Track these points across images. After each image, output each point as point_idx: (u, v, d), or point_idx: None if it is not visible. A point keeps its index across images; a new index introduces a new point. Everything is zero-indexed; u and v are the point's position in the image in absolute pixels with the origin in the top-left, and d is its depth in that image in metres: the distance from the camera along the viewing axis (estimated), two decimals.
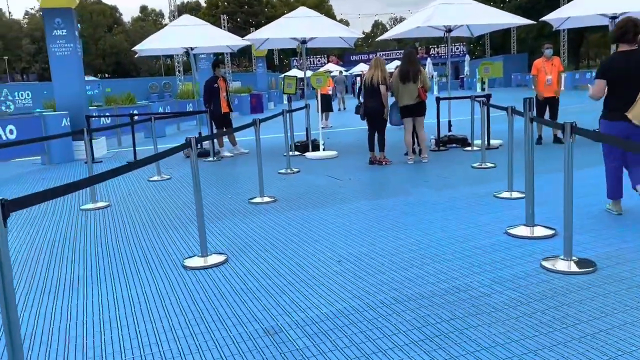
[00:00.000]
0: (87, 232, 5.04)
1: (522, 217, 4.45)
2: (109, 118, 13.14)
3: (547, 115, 8.89)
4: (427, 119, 7.99)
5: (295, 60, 47.78)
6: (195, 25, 10.21)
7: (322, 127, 10.27)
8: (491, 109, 7.37)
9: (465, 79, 39.24)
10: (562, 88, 9.06)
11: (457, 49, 46.30)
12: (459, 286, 3.22)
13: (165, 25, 13.87)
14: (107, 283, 3.63)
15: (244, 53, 48.61)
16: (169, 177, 7.97)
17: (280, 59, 56.42)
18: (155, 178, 7.85)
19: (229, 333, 2.77)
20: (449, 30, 9.30)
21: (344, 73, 30.62)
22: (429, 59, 35.08)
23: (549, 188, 5.59)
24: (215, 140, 9.91)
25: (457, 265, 3.59)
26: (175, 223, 5.19)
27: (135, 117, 11.04)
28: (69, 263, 4.13)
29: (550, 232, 4.15)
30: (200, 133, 10.66)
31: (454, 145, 9.34)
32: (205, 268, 3.80)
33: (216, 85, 9.77)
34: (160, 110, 16.09)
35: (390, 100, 7.94)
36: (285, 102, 10.08)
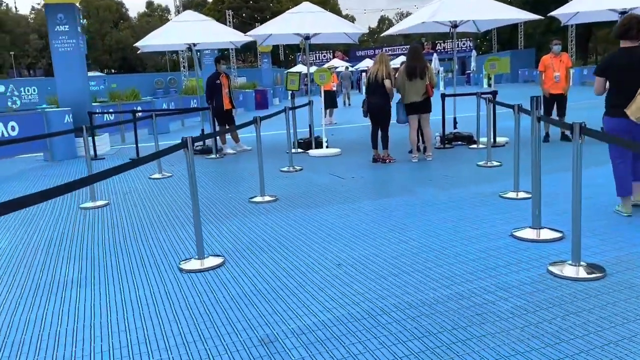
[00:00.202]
0: (85, 232, 4.96)
1: (528, 219, 4.32)
2: (113, 114, 13.10)
3: (554, 112, 8.73)
4: (432, 115, 7.85)
5: (300, 56, 47.60)
6: (198, 21, 10.10)
7: (326, 124, 10.14)
8: (497, 105, 7.23)
9: (471, 75, 38.94)
10: (570, 84, 8.86)
11: (464, 44, 45.95)
12: (462, 292, 3.10)
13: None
14: (101, 286, 3.54)
15: (250, 49, 48.51)
16: (170, 174, 7.89)
17: (286, 54, 56.23)
18: (157, 176, 7.77)
19: (222, 341, 2.68)
20: (455, 25, 9.14)
21: (350, 68, 30.45)
22: (435, 54, 34.79)
23: (556, 188, 5.46)
24: (217, 137, 9.81)
25: (460, 269, 3.47)
26: (174, 223, 5.10)
27: (138, 114, 10.98)
28: (64, 264, 4.04)
29: (557, 234, 4.02)
30: (203, 130, 10.58)
31: (459, 142, 9.20)
32: (201, 271, 3.71)
33: (218, 81, 9.66)
34: (165, 106, 16.02)
35: (396, 97, 7.81)
36: (290, 98, 9.95)
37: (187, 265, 3.79)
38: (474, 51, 38.02)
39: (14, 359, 2.63)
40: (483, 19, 8.82)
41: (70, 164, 9.58)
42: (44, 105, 13.84)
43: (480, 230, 4.28)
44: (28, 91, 26.99)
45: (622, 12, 8.51)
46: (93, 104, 12.64)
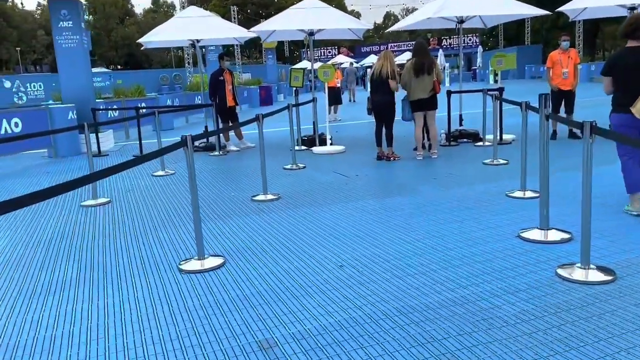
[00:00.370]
0: (85, 231, 4.90)
1: (535, 219, 4.22)
2: (117, 111, 13.05)
3: (562, 109, 8.60)
4: (437, 112, 7.74)
5: (305, 52, 47.44)
6: (201, 17, 10.01)
7: (330, 121, 10.05)
8: (504, 102, 7.11)
9: (477, 71, 38.68)
10: (578, 80, 8.72)
11: (470, 40, 45.64)
12: (468, 296, 3.02)
13: None
14: (99, 286, 3.48)
15: (254, 45, 48.39)
16: (173, 172, 7.83)
17: (291, 50, 56.06)
18: (159, 173, 7.71)
19: (221, 346, 2.61)
20: (461, 21, 9.01)
21: (355, 65, 30.29)
22: (440, 50, 34.56)
23: (564, 187, 5.35)
24: (221, 134, 9.75)
25: (466, 272, 3.38)
26: (175, 221, 5.04)
27: (142, 111, 10.93)
28: (63, 264, 3.99)
29: (565, 235, 3.92)
30: (206, 127, 10.51)
31: (464, 140, 9.08)
32: (201, 272, 3.64)
33: (222, 78, 9.59)
34: (169, 102, 15.97)
35: (401, 94, 7.71)
36: (294, 94, 9.86)
37: (186, 266, 3.73)
38: (480, 47, 37.71)
39: None
40: (490, 14, 8.69)
41: (74, 161, 9.54)
42: (50, 102, 13.82)
43: (486, 231, 4.19)
44: (34, 87, 27.04)
45: (632, 8, 8.36)
46: (97, 100, 12.59)
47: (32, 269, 3.93)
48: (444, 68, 27.02)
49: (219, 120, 9.79)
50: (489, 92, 7.78)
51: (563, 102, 8.58)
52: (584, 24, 35.61)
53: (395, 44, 48.66)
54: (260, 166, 5.72)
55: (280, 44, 44.46)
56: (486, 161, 7.07)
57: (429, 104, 7.52)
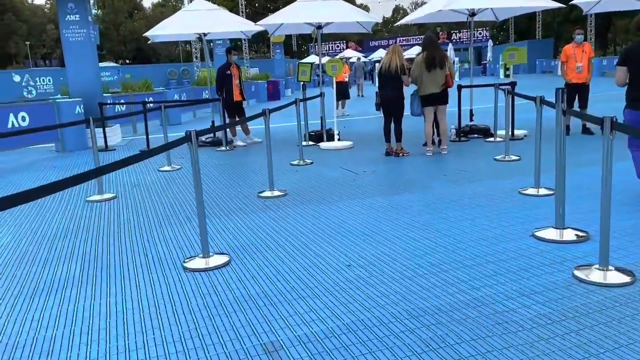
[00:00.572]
0: (90, 227, 4.84)
1: (550, 218, 4.10)
2: (124, 105, 13.00)
3: (576, 104, 8.43)
4: (447, 107, 7.60)
5: (313, 47, 47.22)
6: (208, 10, 9.90)
7: (338, 116, 9.92)
8: (516, 97, 6.95)
9: (487, 65, 38.31)
10: (592, 74, 8.53)
11: (480, 34, 45.17)
12: (482, 298, 2.90)
13: None
14: (102, 284, 3.41)
15: (263, 39, 48.25)
16: (179, 167, 7.76)
17: (299, 44, 55.86)
18: (166, 168, 7.64)
19: (225, 349, 2.52)
20: (472, 14, 8.84)
21: (362, 59, 30.08)
22: (450, 44, 34.24)
23: (578, 185, 5.21)
24: (227, 129, 9.66)
25: (479, 272, 3.27)
26: (180, 217, 4.96)
27: (148, 105, 10.88)
28: (67, 261, 3.92)
29: (581, 235, 3.79)
30: (213, 122, 10.43)
31: (475, 135, 8.93)
32: (206, 270, 3.55)
33: (229, 72, 9.48)
34: (176, 97, 15.91)
35: (409, 89, 7.57)
36: (302, 89, 9.74)
37: (191, 264, 3.64)
38: (490, 41, 37.36)
39: None
40: (502, 6, 8.51)
41: (81, 155, 9.50)
42: (58, 96, 13.80)
43: (499, 230, 4.06)
44: (43, 81, 27.11)
45: None
46: (105, 94, 12.55)
47: (35, 266, 3.86)
48: (454, 62, 26.74)
49: (226, 115, 9.70)
50: (501, 87, 7.62)
51: (577, 97, 8.40)
52: (596, 17, 35.12)
53: (404, 38, 48.32)
54: (267, 162, 5.62)
55: (288, 38, 44.30)
56: (497, 157, 6.92)
57: (440, 98, 7.37)
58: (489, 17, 9.51)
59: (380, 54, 37.44)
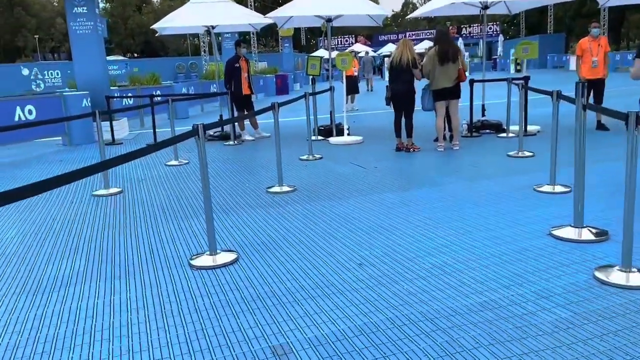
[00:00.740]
0: (95, 221, 4.76)
1: (567, 216, 3.97)
2: (132, 98, 12.95)
3: (591, 99, 8.24)
4: (460, 102, 7.45)
5: (322, 41, 46.98)
6: (216, 3, 9.78)
7: (347, 110, 9.79)
8: (529, 92, 6.79)
9: (498, 60, 37.90)
10: (609, 69, 8.34)
11: (490, 28, 44.71)
12: (499, 300, 2.79)
13: None
14: (107, 282, 3.32)
15: (271, 33, 48.06)
16: (186, 161, 7.67)
17: (308, 38, 55.59)
18: (173, 162, 7.56)
19: (232, 352, 2.42)
20: (485, 7, 8.65)
21: (371, 53, 29.85)
22: (460, 38, 33.89)
23: (595, 181, 5.05)
24: (236, 123, 9.56)
25: (495, 273, 3.15)
26: (187, 213, 4.87)
27: (155, 99, 10.79)
28: (71, 256, 3.85)
29: (601, 234, 3.65)
30: (221, 116, 10.34)
31: (487, 131, 8.77)
32: (213, 268, 3.46)
33: (238, 65, 9.37)
34: (184, 91, 15.82)
35: (421, 83, 7.43)
36: (310, 83, 9.62)
37: (198, 262, 3.55)
38: (501, 35, 36.92)
39: None
40: None
41: (88, 149, 9.45)
42: (66, 89, 13.77)
43: (515, 228, 3.93)
44: (52, 75, 27.19)
45: None
46: (112, 88, 12.50)
47: (39, 261, 3.79)
48: (464, 57, 26.46)
49: (234, 109, 9.60)
50: (514, 81, 7.46)
51: (592, 92, 8.22)
52: (609, 12, 34.56)
53: (413, 33, 47.93)
54: (276, 157, 5.52)
55: (297, 32, 44.04)
56: (511, 153, 6.77)
57: (453, 93, 7.22)
58: (502, 10, 9.32)
59: (389, 48, 37.18)
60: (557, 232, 3.74)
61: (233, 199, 5.33)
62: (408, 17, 12.33)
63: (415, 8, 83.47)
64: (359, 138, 8.74)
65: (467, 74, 7.37)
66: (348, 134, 8.89)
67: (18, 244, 4.22)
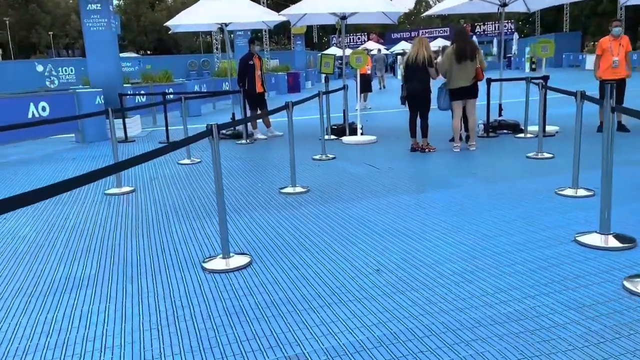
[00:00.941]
0: (107, 221, 4.71)
1: (591, 221, 3.84)
2: (144, 96, 12.93)
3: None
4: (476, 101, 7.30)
5: (334, 38, 46.79)
6: (229, 0, 9.71)
7: (360, 108, 9.66)
8: (551, 91, 6.62)
9: (512, 58, 37.48)
10: (631, 69, 8.11)
11: (505, 26, 44.22)
12: (524, 311, 2.67)
13: None
14: (119, 284, 3.25)
15: (284, 30, 47.97)
16: (199, 160, 7.61)
17: (320, 36, 55.40)
18: (185, 161, 7.50)
19: None
20: (504, 4, 8.48)
21: (383, 51, 29.63)
22: (474, 36, 33.53)
23: (619, 185, 4.89)
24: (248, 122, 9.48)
25: (519, 281, 3.03)
26: (200, 213, 4.80)
27: (168, 96, 10.76)
28: (83, 257, 3.79)
29: (628, 242, 3.51)
30: (233, 114, 10.28)
31: (504, 131, 8.60)
32: (226, 271, 3.38)
33: (252, 62, 9.30)
34: (196, 88, 15.80)
35: (437, 82, 7.29)
36: (323, 81, 9.50)
37: (210, 265, 3.47)
38: (515, 34, 36.52)
39: None
40: None
41: (101, 146, 9.43)
42: (79, 86, 13.80)
43: (537, 234, 3.80)
44: (66, 71, 27.38)
45: None
46: (125, 85, 12.49)
47: (51, 261, 3.74)
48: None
49: (247, 107, 9.53)
50: (533, 81, 7.29)
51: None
52: (626, 11, 34.01)
53: (426, 30, 47.52)
54: (290, 157, 5.42)
55: (309, 30, 43.89)
56: (530, 154, 6.61)
57: (470, 92, 7.07)
58: (520, 8, 9.13)
59: (402, 46, 36.90)
60: (582, 239, 3.61)
61: (245, 199, 5.25)
62: (424, 14, 12.16)
63: (428, 6, 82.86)
64: (372, 137, 8.62)
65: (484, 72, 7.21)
66: (361, 134, 8.77)
67: (30, 243, 4.18)
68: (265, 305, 2.88)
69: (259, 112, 9.40)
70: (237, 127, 9.73)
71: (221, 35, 27.51)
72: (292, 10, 9.30)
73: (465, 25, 45.80)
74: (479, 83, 7.20)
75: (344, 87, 8.93)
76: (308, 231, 4.14)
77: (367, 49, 26.40)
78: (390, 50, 38.78)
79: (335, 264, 3.44)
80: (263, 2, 31.40)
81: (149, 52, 63.56)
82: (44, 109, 9.30)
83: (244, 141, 9.21)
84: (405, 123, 7.54)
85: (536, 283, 2.99)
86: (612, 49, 7.98)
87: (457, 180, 5.59)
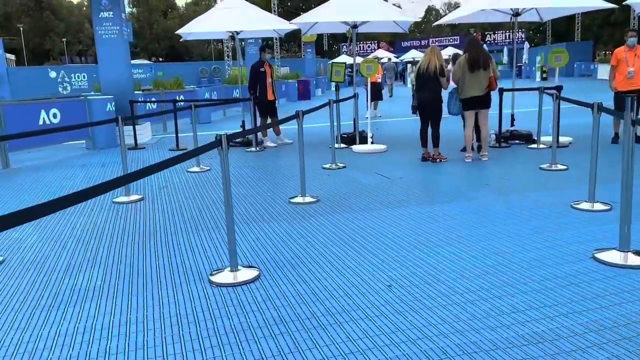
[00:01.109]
0: (115, 231, 4.66)
1: (610, 238, 3.73)
2: (155, 103, 12.96)
3: None
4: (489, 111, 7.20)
5: (344, 46, 46.86)
6: (241, 8, 9.71)
7: (370, 117, 9.58)
8: (567, 102, 6.49)
9: (523, 68, 37.27)
10: None
11: (515, 35, 44.05)
12: (543, 333, 2.56)
13: None
14: (124, 298, 3.19)
15: (294, 38, 48.13)
16: (208, 168, 7.57)
17: (330, 44, 55.58)
18: (194, 169, 7.46)
19: None
20: (516, 14, 8.39)
21: (393, 60, 29.60)
22: (484, 45, 33.41)
23: (634, 199, 4.76)
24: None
25: (536, 300, 2.92)
26: (208, 223, 4.73)
27: (178, 104, 10.76)
28: (88, 268, 3.73)
29: None
30: (243, 122, 10.25)
31: (516, 141, 8.48)
32: (233, 285, 3.30)
33: (263, 69, 9.28)
34: (207, 95, 15.83)
35: (450, 88, 7.20)
36: (333, 89, 9.45)
37: (218, 278, 3.40)
38: (526, 43, 36.35)
39: None
40: (549, 6, 8.04)
41: (110, 153, 9.43)
42: (91, 93, 13.88)
43: (553, 250, 3.69)
44: (78, 78, 27.59)
45: None
46: (136, 92, 12.53)
47: (57, 272, 3.68)
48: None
49: (257, 114, 9.49)
50: (547, 91, 7.18)
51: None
52: (639, 20, 33.73)
53: (436, 39, 47.47)
54: (300, 167, 5.35)
55: (319, 38, 44.06)
56: (543, 166, 6.48)
57: (483, 102, 6.97)
58: (533, 17, 9.03)
59: (412, 54, 36.87)
60: (600, 256, 3.49)
61: (254, 208, 5.18)
62: (435, 23, 12.10)
63: (438, 14, 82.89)
64: (382, 146, 8.54)
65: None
66: (372, 142, 8.69)
67: (36, 252, 4.14)
68: (273, 322, 2.80)
69: (269, 119, 9.36)
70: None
71: (232, 43, 27.66)
72: (303, 19, 9.27)
73: (475, 34, 45.74)
74: (491, 92, 7.10)
75: (355, 96, 8.87)
76: (317, 243, 4.05)
77: (377, 57, 26.39)
78: (400, 59, 38.77)
79: (345, 278, 3.35)
80: (274, 11, 31.55)
81: (161, 59, 64.10)
82: (55, 115, 9.33)
83: (253, 149, 9.17)
84: (416, 131, 7.45)
85: (554, 303, 2.88)
86: (627, 60, 7.85)
87: (470, 191, 5.48)
